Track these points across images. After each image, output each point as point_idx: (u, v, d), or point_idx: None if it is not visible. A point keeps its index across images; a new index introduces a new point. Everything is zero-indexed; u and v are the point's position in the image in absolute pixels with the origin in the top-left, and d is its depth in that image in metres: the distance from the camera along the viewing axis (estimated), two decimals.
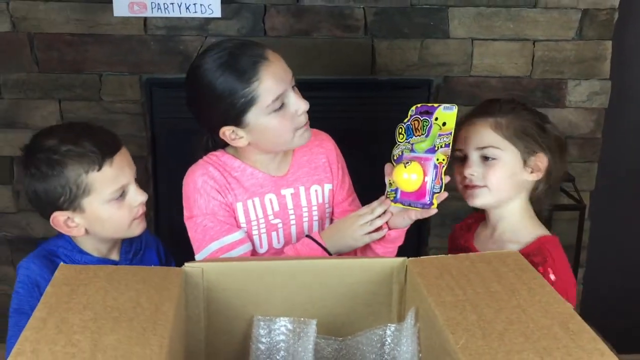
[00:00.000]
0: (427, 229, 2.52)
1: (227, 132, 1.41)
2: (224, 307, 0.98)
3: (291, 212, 1.51)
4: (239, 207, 1.46)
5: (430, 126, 1.29)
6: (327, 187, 1.55)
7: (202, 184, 1.45)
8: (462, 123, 1.48)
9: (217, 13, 2.21)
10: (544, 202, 1.53)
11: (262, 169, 1.49)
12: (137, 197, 1.44)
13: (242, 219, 1.47)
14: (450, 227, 2.50)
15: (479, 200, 1.47)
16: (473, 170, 1.45)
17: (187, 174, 1.49)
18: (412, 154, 1.32)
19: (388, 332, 0.96)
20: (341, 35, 2.29)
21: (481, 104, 1.55)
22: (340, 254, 1.41)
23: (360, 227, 1.38)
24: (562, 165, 1.52)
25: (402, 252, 1.38)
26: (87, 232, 1.42)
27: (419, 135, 1.31)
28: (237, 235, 1.44)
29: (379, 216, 1.38)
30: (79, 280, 0.89)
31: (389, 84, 2.36)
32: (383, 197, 1.39)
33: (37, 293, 1.35)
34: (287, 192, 1.51)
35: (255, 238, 1.48)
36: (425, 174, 1.28)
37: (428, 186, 1.28)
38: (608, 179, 2.46)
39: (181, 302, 0.92)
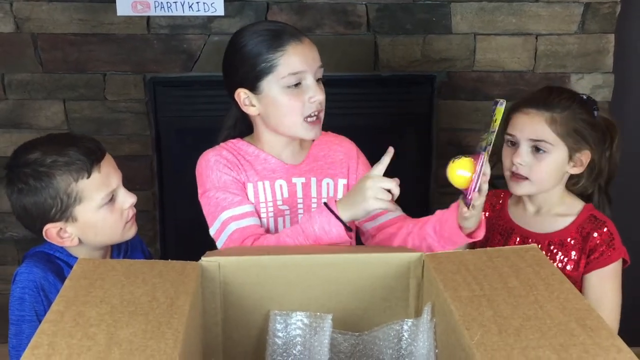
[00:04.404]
0: None
1: (241, 95, 1.47)
2: (240, 301, 0.99)
3: (300, 200, 1.51)
4: (250, 187, 1.48)
5: (491, 122, 1.29)
6: (341, 181, 1.55)
7: (214, 162, 1.48)
8: (517, 109, 1.59)
9: (220, 11, 2.21)
10: (595, 201, 1.67)
11: (275, 155, 1.51)
12: (127, 200, 1.44)
13: (252, 198, 1.48)
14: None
15: (522, 190, 1.59)
16: (522, 160, 1.56)
17: (200, 157, 1.52)
18: (479, 150, 1.32)
19: (405, 327, 0.96)
20: (344, 31, 2.29)
21: (538, 92, 1.63)
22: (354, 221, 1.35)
23: (376, 189, 1.30)
24: (610, 155, 1.65)
25: None
26: (80, 242, 1.41)
27: (487, 132, 1.31)
28: (247, 207, 1.45)
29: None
30: (97, 274, 0.90)
31: (392, 80, 2.36)
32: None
33: (42, 297, 1.35)
34: (298, 181, 1.52)
35: (263, 221, 1.49)
36: (474, 170, 1.27)
37: (474, 183, 1.26)
38: None
39: (197, 296, 0.92)
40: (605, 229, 1.58)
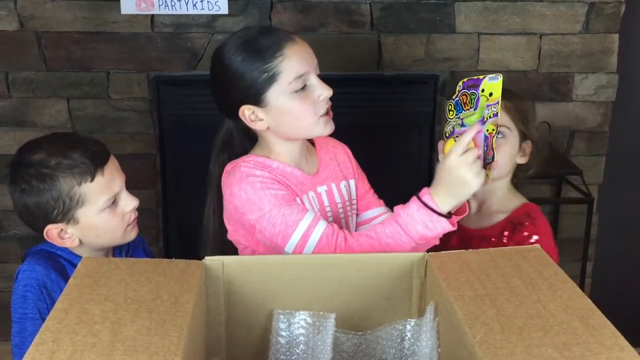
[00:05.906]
0: None
1: (246, 112, 1.38)
2: (244, 301, 0.99)
3: (327, 209, 1.46)
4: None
5: (478, 98, 1.25)
6: (352, 182, 1.54)
7: (260, 184, 1.36)
8: None
9: (224, 10, 2.22)
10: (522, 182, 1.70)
11: (297, 167, 1.45)
12: (129, 203, 1.43)
13: None
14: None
15: None
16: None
17: (233, 184, 1.39)
18: (463, 129, 1.28)
19: (408, 327, 0.96)
20: (348, 31, 2.29)
21: None
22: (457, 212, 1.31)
23: (470, 166, 1.25)
24: (543, 152, 1.67)
25: None
26: (80, 242, 1.41)
27: (468, 109, 1.28)
28: (313, 212, 1.37)
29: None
30: (101, 272, 0.90)
31: (396, 79, 2.36)
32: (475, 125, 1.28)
33: (45, 295, 1.35)
34: (322, 190, 1.47)
35: None
36: (476, 147, 1.25)
37: (480, 158, 1.25)
38: (616, 172, 2.46)
39: (201, 294, 0.92)
40: (527, 230, 1.54)
